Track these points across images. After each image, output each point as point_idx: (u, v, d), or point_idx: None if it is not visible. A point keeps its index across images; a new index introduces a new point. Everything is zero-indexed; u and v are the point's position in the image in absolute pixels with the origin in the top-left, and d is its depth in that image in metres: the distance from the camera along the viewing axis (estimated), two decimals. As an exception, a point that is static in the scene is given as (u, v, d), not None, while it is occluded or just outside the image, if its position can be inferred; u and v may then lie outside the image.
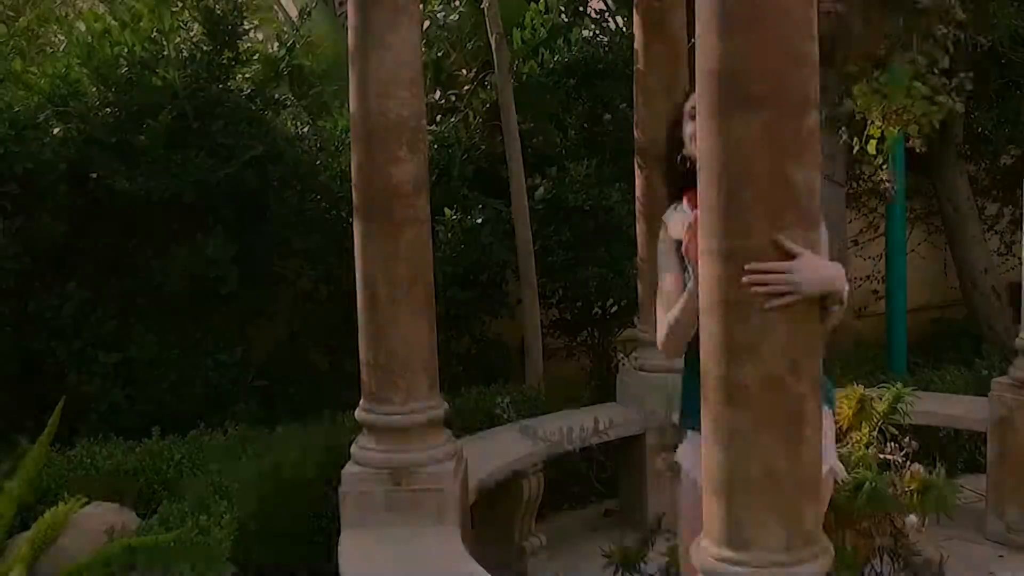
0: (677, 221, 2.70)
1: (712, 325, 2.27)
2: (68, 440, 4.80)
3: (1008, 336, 7.61)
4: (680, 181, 2.74)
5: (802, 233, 2.21)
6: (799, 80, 2.20)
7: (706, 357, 2.30)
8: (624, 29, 6.97)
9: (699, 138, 2.28)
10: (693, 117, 2.53)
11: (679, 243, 2.65)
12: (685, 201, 2.72)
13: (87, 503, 3.87)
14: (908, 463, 3.74)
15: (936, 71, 3.52)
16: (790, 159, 2.19)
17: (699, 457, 2.60)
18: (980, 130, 7.70)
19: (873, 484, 3.26)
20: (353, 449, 3.83)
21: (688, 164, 2.65)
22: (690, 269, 2.61)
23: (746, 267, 2.14)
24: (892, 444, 3.75)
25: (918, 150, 3.75)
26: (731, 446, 2.27)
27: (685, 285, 2.66)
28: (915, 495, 3.40)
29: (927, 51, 3.51)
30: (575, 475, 5.65)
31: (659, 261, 2.82)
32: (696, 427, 2.60)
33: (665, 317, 2.71)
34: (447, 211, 5.60)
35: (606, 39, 6.88)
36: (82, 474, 4.27)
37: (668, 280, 2.74)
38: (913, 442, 3.78)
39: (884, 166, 4.05)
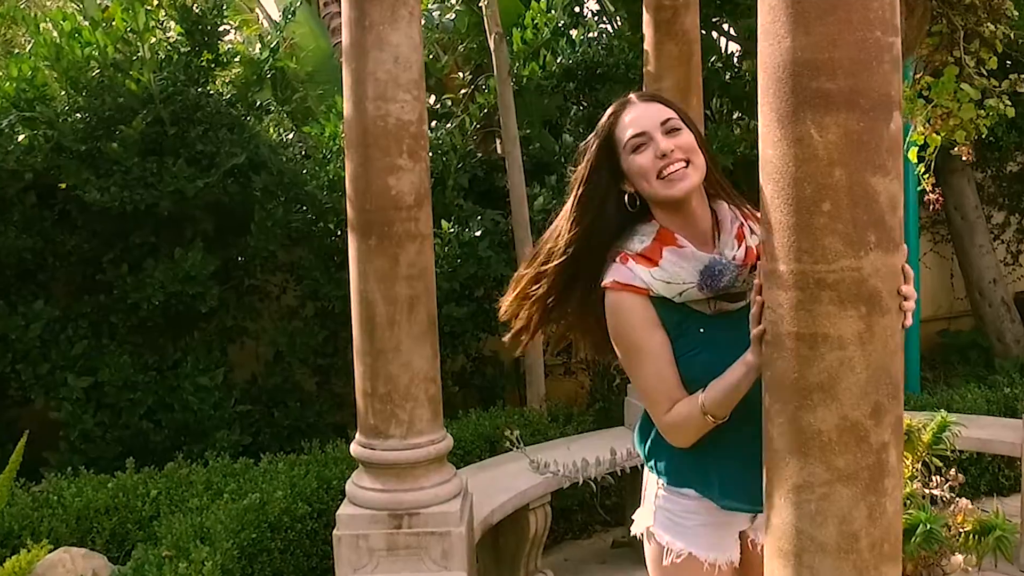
0: (666, 278, 2.07)
1: (779, 361, 1.95)
2: (34, 473, 4.49)
3: (1019, 348, 7.40)
4: (617, 226, 2.14)
5: (883, 256, 1.91)
6: (881, 77, 1.89)
7: (771, 398, 1.98)
8: (625, 31, 6.68)
9: (762, 147, 1.97)
10: (634, 149, 2.08)
11: (665, 300, 2.07)
12: (664, 246, 2.10)
13: (53, 549, 3.50)
14: (955, 498, 3.45)
15: (984, 72, 3.23)
16: (872, 168, 1.89)
17: (688, 527, 2.20)
18: (986, 135, 7.46)
19: (928, 526, 2.95)
20: (348, 487, 3.49)
21: (636, 203, 2.12)
22: (700, 331, 2.08)
23: (906, 270, 1.86)
24: (937, 477, 3.46)
25: (964, 158, 3.47)
26: (801, 501, 1.96)
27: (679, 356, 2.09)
28: (971, 536, 3.09)
29: (974, 50, 3.22)
30: (579, 502, 5.35)
31: (629, 340, 2.08)
32: (672, 482, 2.19)
33: (678, 411, 2.06)
34: (444, 223, 5.29)
35: (605, 41, 6.59)
36: (48, 513, 3.91)
37: (657, 366, 2.06)
38: (959, 475, 3.49)
39: (925, 175, 3.77)
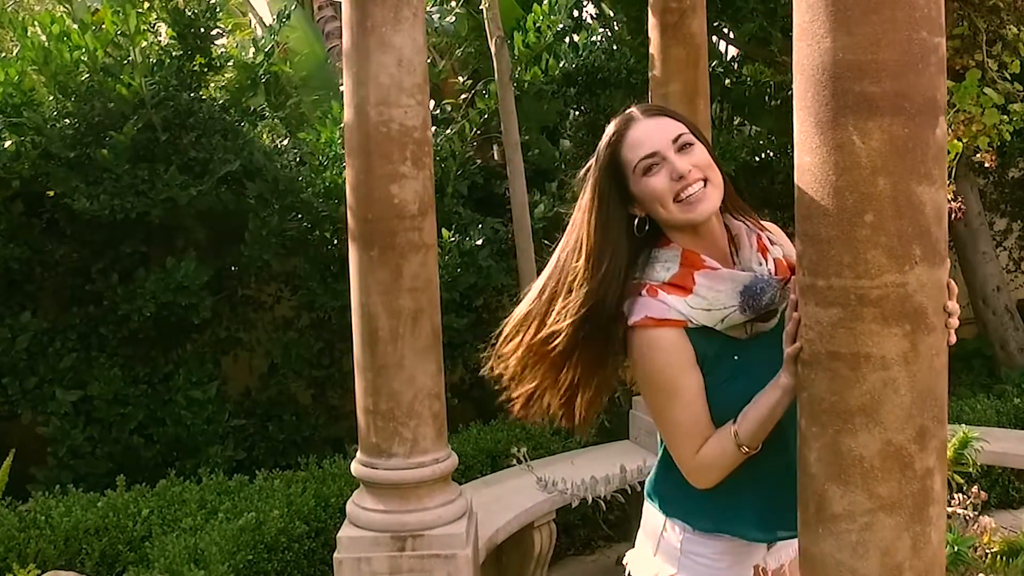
0: (704, 305, 1.88)
1: (817, 383, 1.83)
2: (21, 491, 4.35)
3: (1023, 357, 7.31)
4: (631, 257, 1.92)
5: (928, 270, 1.79)
6: (927, 80, 1.78)
7: (808, 422, 1.86)
8: (624, 36, 6.58)
9: (798, 154, 1.85)
10: (646, 172, 1.87)
11: (703, 330, 1.88)
12: (695, 270, 1.90)
13: (41, 573, 3.36)
14: (978, 516, 3.34)
15: (1008, 76, 3.13)
16: (917, 177, 1.77)
17: (718, 568, 2.01)
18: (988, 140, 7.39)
19: (955, 548, 2.83)
20: (349, 508, 3.36)
21: (646, 227, 1.92)
22: (743, 356, 1.91)
23: (951, 285, 1.76)
24: (960, 495, 3.35)
25: (987, 164, 3.36)
26: (841, 532, 1.84)
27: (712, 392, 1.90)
28: (999, 558, 2.98)
29: (997, 54, 3.11)
30: (581, 517, 5.23)
31: (662, 380, 1.87)
32: (701, 527, 2.00)
33: (709, 449, 1.88)
34: (444, 232, 5.16)
35: (606, 45, 6.49)
36: (35, 534, 3.77)
37: (691, 407, 1.87)
38: (982, 492, 3.39)
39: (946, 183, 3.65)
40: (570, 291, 1.89)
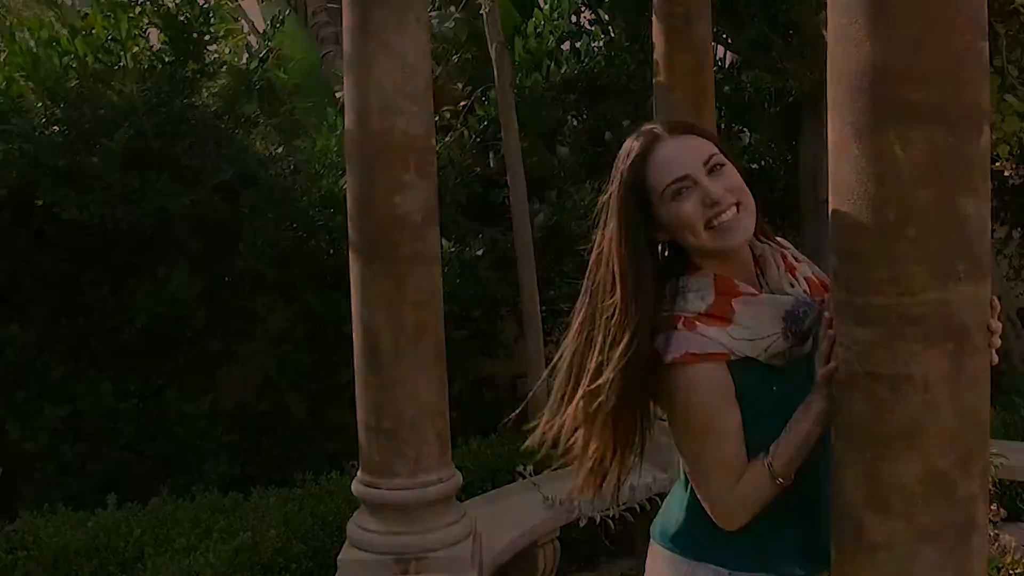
0: (747, 335, 1.76)
1: (854, 405, 1.74)
2: (8, 509, 4.24)
3: (1024, 366, 7.25)
4: (657, 284, 1.78)
5: (973, 287, 1.70)
6: (971, 86, 1.69)
7: (844, 446, 1.77)
8: (622, 42, 6.50)
9: (834, 165, 1.76)
10: (675, 196, 1.73)
11: (746, 362, 1.76)
12: (732, 297, 1.78)
13: (28, 598, 3.25)
14: (998, 533, 3.26)
15: (1027, 82, 3.05)
16: (960, 188, 1.68)
17: None
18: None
19: (980, 570, 2.74)
20: (350, 528, 3.25)
21: (667, 252, 1.82)
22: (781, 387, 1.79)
23: (993, 303, 1.65)
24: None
25: (1007, 173, 3.28)
26: (880, 562, 1.75)
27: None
28: (1024, 580, 2.89)
29: (1017, 59, 3.03)
30: (583, 533, 5.13)
31: (700, 418, 1.74)
32: (740, 568, 1.86)
33: (743, 486, 1.77)
34: (445, 242, 5.07)
35: (606, 51, 6.41)
36: (23, 555, 3.67)
37: (730, 446, 1.76)
38: (1001, 509, 3.30)
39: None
40: (608, 331, 1.75)
